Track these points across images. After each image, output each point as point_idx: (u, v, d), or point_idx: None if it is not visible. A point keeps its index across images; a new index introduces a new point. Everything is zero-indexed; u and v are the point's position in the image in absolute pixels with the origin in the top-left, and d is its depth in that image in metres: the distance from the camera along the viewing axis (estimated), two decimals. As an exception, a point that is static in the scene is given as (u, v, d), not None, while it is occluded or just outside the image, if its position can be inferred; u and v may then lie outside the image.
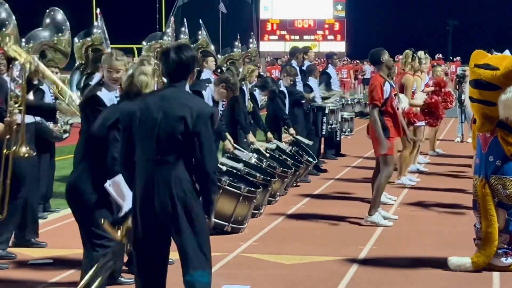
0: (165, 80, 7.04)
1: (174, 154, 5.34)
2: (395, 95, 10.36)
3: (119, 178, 5.99)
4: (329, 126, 14.75)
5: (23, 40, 9.11)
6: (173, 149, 5.34)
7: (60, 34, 9.40)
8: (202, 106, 5.51)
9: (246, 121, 11.66)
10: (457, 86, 19.62)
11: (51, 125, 9.82)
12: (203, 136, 5.33)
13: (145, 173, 5.37)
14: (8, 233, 8.34)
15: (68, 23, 9.43)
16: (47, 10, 9.55)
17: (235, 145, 11.12)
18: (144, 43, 11.07)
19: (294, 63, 14.86)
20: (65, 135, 10.15)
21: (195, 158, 5.36)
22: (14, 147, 7.73)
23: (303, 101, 14.17)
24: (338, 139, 16.20)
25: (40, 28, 9.38)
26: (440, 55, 43.31)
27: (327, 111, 14.62)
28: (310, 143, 13.56)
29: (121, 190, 6.02)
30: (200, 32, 12.75)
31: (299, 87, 14.48)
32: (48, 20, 9.39)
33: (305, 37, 59.76)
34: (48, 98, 9.66)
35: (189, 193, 5.36)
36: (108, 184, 6.09)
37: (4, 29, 8.53)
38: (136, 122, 5.40)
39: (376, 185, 10.17)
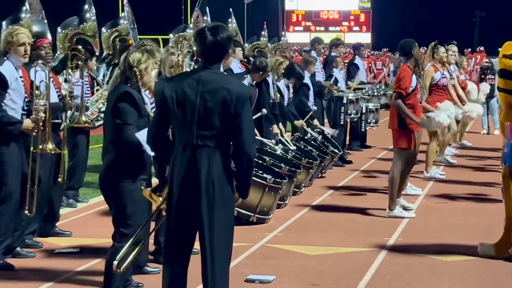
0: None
1: (213, 138, 5.27)
2: (420, 88, 10.32)
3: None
4: (348, 116, 14.67)
5: (59, 28, 9.26)
6: (213, 133, 5.27)
7: (85, 23, 9.51)
8: (241, 87, 5.41)
9: (271, 112, 11.65)
10: (482, 77, 19.50)
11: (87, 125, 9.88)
12: (243, 118, 5.26)
13: (184, 157, 5.30)
14: (35, 224, 8.40)
15: (94, 12, 9.52)
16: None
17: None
18: (171, 35, 11.13)
19: (314, 53, 14.87)
20: (97, 123, 10.16)
21: (235, 141, 5.28)
22: (41, 145, 7.82)
23: (325, 91, 14.19)
24: (363, 130, 16.14)
25: (74, 17, 9.52)
26: (469, 50, 42.89)
27: (345, 101, 14.55)
28: (333, 132, 13.54)
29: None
30: (230, 20, 12.80)
31: (319, 77, 14.48)
32: (86, 6, 9.53)
33: (331, 28, 59.56)
34: (77, 88, 9.77)
35: (227, 179, 5.31)
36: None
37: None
38: (173, 106, 5.31)
39: (390, 181, 10.14)
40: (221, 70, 6.86)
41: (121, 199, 6.20)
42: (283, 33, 14.10)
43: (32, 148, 7.74)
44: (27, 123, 7.55)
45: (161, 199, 5.61)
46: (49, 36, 8.52)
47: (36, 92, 7.66)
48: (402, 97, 9.99)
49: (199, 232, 5.38)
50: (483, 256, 8.09)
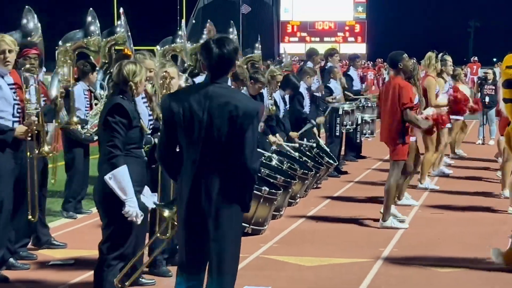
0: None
1: (221, 154, 5.23)
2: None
3: (122, 170, 6.00)
4: (343, 127, 14.68)
5: (60, 42, 9.28)
6: (220, 149, 5.22)
7: (89, 37, 9.53)
8: (248, 103, 5.34)
9: (266, 124, 11.62)
10: (479, 89, 19.53)
11: (79, 128, 9.85)
12: (249, 135, 5.21)
13: (192, 173, 5.26)
14: (26, 238, 8.38)
15: (98, 25, 9.54)
16: (89, 10, 9.69)
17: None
18: (158, 47, 11.09)
19: (310, 64, 14.87)
20: (96, 137, 10.09)
21: (239, 155, 5.22)
22: (37, 150, 7.80)
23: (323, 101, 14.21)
24: (358, 141, 16.17)
25: (76, 30, 9.53)
26: (476, 58, 42.94)
27: (340, 112, 14.58)
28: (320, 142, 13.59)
29: (122, 182, 6.02)
30: (231, 30, 12.76)
31: (314, 86, 14.47)
32: (89, 19, 9.54)
33: (326, 39, 59.64)
34: (81, 101, 9.78)
35: (233, 194, 5.29)
36: (108, 177, 6.04)
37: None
38: (180, 121, 5.25)
39: (386, 189, 10.14)
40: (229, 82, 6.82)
41: (115, 212, 6.15)
42: (256, 45, 13.71)
43: (28, 153, 7.73)
44: (20, 129, 7.52)
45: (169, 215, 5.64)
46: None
47: (26, 96, 7.64)
48: (410, 108, 9.98)
49: (206, 249, 5.37)
50: (495, 261, 8.05)
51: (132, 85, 6.27)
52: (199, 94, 5.30)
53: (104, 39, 10.07)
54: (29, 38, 8.94)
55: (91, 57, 10.08)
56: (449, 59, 13.84)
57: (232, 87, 10.03)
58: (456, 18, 73.23)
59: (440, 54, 13.46)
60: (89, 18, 9.46)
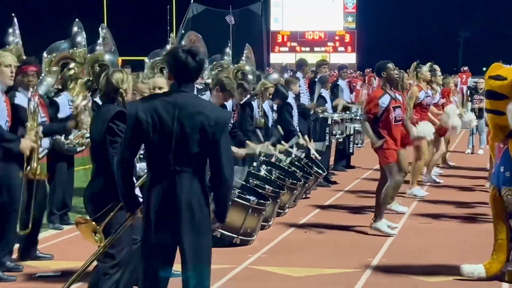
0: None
1: (191, 163, 5.23)
2: (396, 107, 10.34)
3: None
4: (333, 136, 14.70)
5: (45, 52, 9.25)
6: (190, 159, 5.23)
7: (75, 48, 9.49)
8: (219, 113, 5.38)
9: (247, 136, 11.56)
10: (469, 98, 19.59)
11: (62, 138, 9.82)
12: (222, 144, 5.24)
13: (162, 183, 5.25)
14: (10, 245, 8.36)
15: (84, 36, 9.50)
16: (76, 21, 9.65)
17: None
18: (146, 59, 11.05)
19: (299, 75, 14.88)
20: (79, 148, 10.06)
21: (213, 166, 5.26)
22: (29, 167, 7.83)
23: (311, 112, 14.18)
24: (351, 151, 16.16)
25: (61, 41, 9.50)
26: (466, 68, 43.01)
27: (330, 121, 14.59)
28: (322, 148, 13.59)
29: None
30: (228, 51, 12.74)
31: (304, 98, 14.48)
32: (75, 29, 9.50)
33: (316, 48, 59.70)
34: (66, 111, 9.74)
35: (203, 205, 5.29)
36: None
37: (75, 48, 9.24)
38: (149, 131, 5.24)
39: (383, 194, 10.19)
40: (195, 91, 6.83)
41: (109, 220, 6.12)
42: (227, 50, 13.53)
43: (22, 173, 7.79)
44: (25, 144, 7.60)
45: (99, 238, 5.64)
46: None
47: (31, 114, 7.71)
48: (368, 118, 10.20)
49: (181, 257, 5.35)
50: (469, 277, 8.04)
51: (123, 92, 6.28)
52: (167, 102, 5.28)
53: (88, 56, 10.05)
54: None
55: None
56: (437, 68, 13.89)
57: (212, 97, 10.00)
58: (446, 28, 73.43)
59: (428, 64, 13.51)
60: (75, 29, 9.42)
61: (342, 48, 60.36)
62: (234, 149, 10.02)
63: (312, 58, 52.81)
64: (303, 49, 59.43)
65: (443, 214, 11.64)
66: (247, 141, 11.28)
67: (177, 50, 5.38)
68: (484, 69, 8.22)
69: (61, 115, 9.67)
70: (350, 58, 57.84)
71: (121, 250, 6.15)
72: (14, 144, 7.61)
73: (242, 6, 50.30)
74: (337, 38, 60.65)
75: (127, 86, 6.35)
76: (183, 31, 41.24)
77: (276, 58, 56.85)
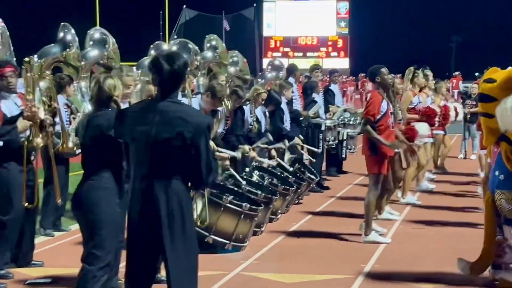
0: None
1: (171, 169, 5.25)
2: (392, 113, 10.30)
3: None
4: (326, 143, 14.69)
5: (35, 56, 9.19)
6: (169, 164, 5.25)
7: (68, 50, 9.40)
8: (198, 118, 5.39)
9: (239, 140, 11.52)
10: (461, 103, 19.55)
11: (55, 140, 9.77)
12: (201, 149, 5.24)
13: (142, 189, 5.28)
14: (6, 252, 8.30)
15: (76, 39, 9.42)
16: (61, 24, 9.57)
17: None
18: (134, 69, 11.00)
19: (292, 80, 14.84)
20: (78, 151, 10.02)
21: (193, 170, 5.27)
22: (30, 139, 7.88)
23: (301, 118, 14.14)
24: (343, 156, 16.14)
25: (52, 45, 9.43)
26: (458, 72, 43.10)
27: (323, 127, 14.58)
28: (312, 159, 13.56)
29: None
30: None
31: (296, 104, 14.45)
32: (61, 34, 9.42)
33: (309, 54, 59.84)
34: (63, 115, 9.71)
35: (185, 209, 5.29)
36: None
37: (68, 49, 9.06)
38: (130, 137, 5.33)
39: (365, 204, 10.13)
40: (179, 97, 6.78)
41: (96, 221, 6.13)
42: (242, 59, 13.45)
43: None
44: (22, 123, 7.64)
45: None
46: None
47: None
48: (371, 123, 10.01)
49: (164, 262, 5.33)
50: (461, 271, 7.97)
51: (116, 99, 6.25)
52: (149, 109, 5.33)
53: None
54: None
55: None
56: (429, 73, 13.87)
57: (202, 102, 9.92)
58: (438, 33, 73.61)
59: (421, 69, 13.47)
60: (61, 34, 9.34)
61: (335, 53, 60.52)
62: (217, 153, 9.95)
63: (305, 63, 52.92)
64: (295, 54, 59.57)
65: (436, 220, 11.61)
66: (240, 146, 11.24)
67: (157, 57, 5.39)
68: (477, 74, 8.19)
69: (58, 119, 9.66)
70: (343, 63, 58.03)
71: (108, 253, 6.14)
72: (11, 134, 7.66)
73: (234, 11, 50.32)
74: (330, 43, 60.83)
75: (119, 92, 6.33)
76: (175, 37, 41.29)
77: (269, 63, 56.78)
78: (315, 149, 13.75)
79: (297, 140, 13.18)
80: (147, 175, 5.26)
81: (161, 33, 48.62)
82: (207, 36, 12.39)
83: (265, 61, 56.72)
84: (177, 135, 5.21)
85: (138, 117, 5.32)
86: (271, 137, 12.22)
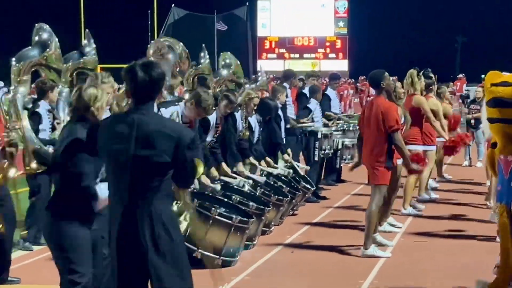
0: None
1: (152, 188, 5.13)
2: None
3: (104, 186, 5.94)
4: (322, 151, 14.61)
5: (13, 59, 9.13)
6: (151, 183, 5.14)
7: (48, 50, 9.31)
8: (180, 131, 5.28)
9: (237, 148, 11.46)
10: (466, 107, 19.53)
11: (50, 148, 9.68)
12: (183, 163, 5.16)
13: (121, 209, 5.16)
14: None
15: (55, 38, 9.32)
16: (35, 26, 9.49)
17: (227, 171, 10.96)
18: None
19: (286, 86, 14.78)
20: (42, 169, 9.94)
21: (176, 182, 5.23)
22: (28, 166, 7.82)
23: (290, 126, 14.09)
24: (338, 166, 16.08)
25: (29, 47, 9.35)
26: (462, 75, 43.01)
27: (319, 135, 14.50)
28: (306, 168, 13.49)
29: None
30: (202, 55, 12.56)
31: (290, 110, 14.38)
32: (36, 38, 9.33)
33: (305, 55, 59.86)
34: (46, 122, 9.60)
35: (171, 228, 5.18)
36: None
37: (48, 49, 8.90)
38: (108, 152, 5.23)
39: (367, 215, 10.05)
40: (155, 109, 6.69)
41: (66, 243, 6.04)
42: (202, 54, 13.23)
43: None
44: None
45: None
46: None
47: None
48: (399, 134, 9.96)
49: (151, 283, 5.23)
50: None
51: (94, 110, 6.13)
52: (125, 122, 5.22)
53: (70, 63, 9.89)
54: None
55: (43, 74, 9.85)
56: (431, 76, 13.81)
57: (186, 109, 9.80)
58: (442, 34, 73.68)
59: (422, 72, 13.40)
60: (36, 38, 9.26)
61: (333, 55, 60.55)
62: (203, 177, 9.84)
63: (301, 65, 52.91)
64: (292, 56, 59.57)
65: (439, 232, 11.53)
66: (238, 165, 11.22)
67: (132, 66, 5.28)
68: (483, 76, 8.06)
69: (42, 126, 9.60)
70: (341, 65, 58.08)
71: (87, 272, 6.07)
72: None
73: (225, 10, 50.30)
74: (327, 44, 60.85)
75: (100, 104, 6.19)
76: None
77: (263, 65, 56.81)
78: (303, 166, 13.64)
79: (286, 156, 13.08)
80: (126, 195, 5.14)
81: (149, 34, 48.57)
82: (222, 53, 12.48)
83: (260, 63, 56.76)
84: (157, 151, 5.09)
85: (112, 132, 5.20)
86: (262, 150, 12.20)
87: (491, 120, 7.85)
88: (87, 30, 9.93)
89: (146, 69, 5.21)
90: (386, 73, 10.20)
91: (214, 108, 10.30)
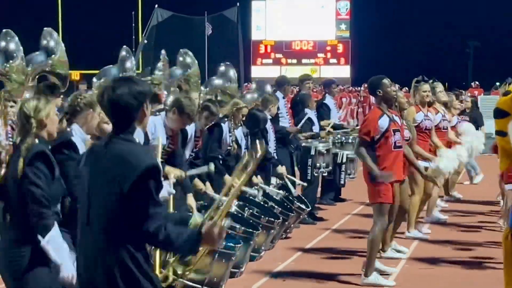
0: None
1: (107, 218, 4.88)
2: (396, 130, 10.09)
3: (57, 230, 5.83)
4: (316, 169, 14.44)
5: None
6: (105, 213, 4.88)
7: (11, 61, 9.20)
8: (142, 161, 4.87)
9: (223, 163, 11.35)
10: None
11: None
12: (143, 196, 4.82)
13: (84, 249, 5.01)
14: None
15: (21, 48, 9.22)
16: (2, 32, 9.41)
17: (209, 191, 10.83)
18: (94, 79, 10.89)
19: (280, 95, 14.67)
20: None
21: (136, 220, 4.85)
22: None
23: (291, 132, 14.01)
24: (342, 182, 15.91)
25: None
26: (478, 82, 42.91)
27: (312, 152, 14.32)
28: (303, 184, 13.42)
29: (58, 244, 5.89)
30: (190, 61, 12.48)
31: (283, 121, 14.28)
32: (3, 43, 9.24)
33: (304, 60, 59.84)
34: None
35: (131, 273, 4.90)
36: (45, 242, 5.83)
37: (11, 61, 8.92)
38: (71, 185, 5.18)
39: (369, 239, 9.95)
40: (138, 132, 6.52)
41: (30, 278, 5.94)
42: (189, 60, 13.12)
43: None
44: None
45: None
46: None
47: None
48: (366, 144, 9.88)
49: None
50: None
51: (34, 122, 5.99)
52: (89, 153, 5.07)
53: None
54: (11, 62, 8.85)
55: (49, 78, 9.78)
56: (439, 85, 13.72)
57: (167, 121, 9.67)
58: (453, 38, 73.78)
59: (430, 81, 13.31)
60: (2, 43, 9.15)
61: (334, 60, 60.54)
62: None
63: (299, 72, 52.76)
64: (289, 61, 59.57)
65: (446, 258, 11.47)
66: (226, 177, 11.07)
67: (106, 85, 5.01)
68: (498, 83, 7.99)
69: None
70: (343, 71, 58.12)
71: None
72: None
73: (215, 11, 50.24)
74: (328, 48, 60.84)
75: (45, 114, 6.03)
76: (145, 41, 41.19)
77: (258, 71, 56.98)
78: (300, 182, 13.54)
79: (280, 169, 12.96)
80: (86, 233, 4.97)
81: (133, 37, 48.58)
82: (181, 50, 12.26)
83: (254, 69, 56.81)
84: (111, 180, 4.83)
85: (87, 159, 5.05)
86: (212, 168, 11.78)
87: (495, 132, 7.88)
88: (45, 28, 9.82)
89: (111, 88, 4.91)
90: (385, 80, 10.11)
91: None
